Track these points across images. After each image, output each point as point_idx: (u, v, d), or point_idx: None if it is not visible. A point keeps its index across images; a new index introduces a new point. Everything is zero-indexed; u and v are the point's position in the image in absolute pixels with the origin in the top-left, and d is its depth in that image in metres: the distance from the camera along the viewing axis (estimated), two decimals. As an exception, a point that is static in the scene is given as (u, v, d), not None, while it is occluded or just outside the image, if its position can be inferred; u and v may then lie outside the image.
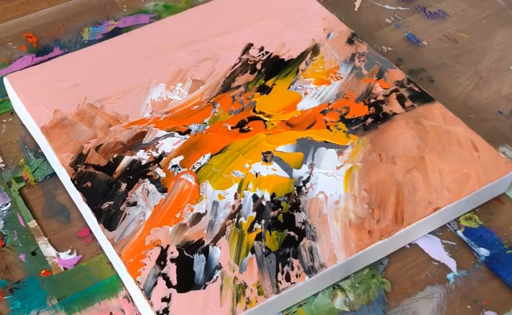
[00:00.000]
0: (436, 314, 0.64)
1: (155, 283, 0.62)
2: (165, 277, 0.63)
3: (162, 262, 0.64)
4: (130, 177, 0.70)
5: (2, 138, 0.78)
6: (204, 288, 0.62)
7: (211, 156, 0.72)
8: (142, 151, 0.73)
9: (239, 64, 0.82)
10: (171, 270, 0.63)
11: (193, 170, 0.71)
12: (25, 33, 0.90)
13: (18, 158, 0.76)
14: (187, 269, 0.63)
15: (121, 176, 0.70)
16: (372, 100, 0.78)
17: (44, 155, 0.76)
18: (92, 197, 0.68)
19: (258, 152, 0.73)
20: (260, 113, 0.77)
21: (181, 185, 0.70)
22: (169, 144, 0.73)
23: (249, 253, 0.65)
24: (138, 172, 0.71)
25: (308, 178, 0.71)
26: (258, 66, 0.82)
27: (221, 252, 0.65)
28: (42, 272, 0.66)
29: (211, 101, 0.78)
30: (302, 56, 0.83)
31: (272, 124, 0.76)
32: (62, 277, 0.66)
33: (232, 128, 0.75)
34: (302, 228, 0.67)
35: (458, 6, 0.96)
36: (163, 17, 0.92)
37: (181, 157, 0.72)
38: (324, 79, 0.81)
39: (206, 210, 0.68)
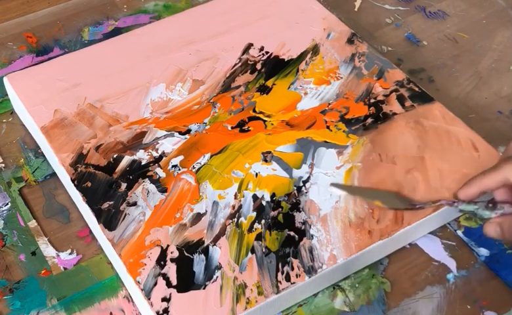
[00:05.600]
0: (436, 314, 0.64)
1: (155, 283, 0.62)
2: (165, 277, 0.63)
3: (162, 262, 0.64)
4: (130, 177, 0.70)
5: (2, 138, 0.78)
6: (204, 288, 0.62)
7: (211, 156, 0.72)
8: (142, 151, 0.73)
9: (239, 64, 0.82)
10: (171, 270, 0.63)
11: (193, 170, 0.71)
12: (25, 33, 0.90)
13: (18, 158, 0.76)
14: (187, 269, 0.63)
15: (121, 176, 0.70)
16: (372, 100, 0.78)
17: (44, 155, 0.76)
18: (92, 197, 0.68)
19: (258, 152, 0.73)
20: (260, 113, 0.77)
21: (181, 185, 0.70)
22: (169, 144, 0.73)
23: (249, 253, 0.65)
24: (138, 172, 0.71)
25: (308, 178, 0.71)
26: (258, 66, 0.82)
27: (221, 252, 0.65)
28: (42, 272, 0.66)
29: (211, 101, 0.78)
30: (302, 56, 0.83)
31: (272, 124, 0.76)
32: (62, 277, 0.66)
33: (232, 128, 0.75)
34: (302, 228, 0.67)
35: (458, 6, 0.96)
36: (163, 17, 0.92)
37: (181, 157, 0.72)
38: (324, 79, 0.81)
39: (206, 210, 0.68)
